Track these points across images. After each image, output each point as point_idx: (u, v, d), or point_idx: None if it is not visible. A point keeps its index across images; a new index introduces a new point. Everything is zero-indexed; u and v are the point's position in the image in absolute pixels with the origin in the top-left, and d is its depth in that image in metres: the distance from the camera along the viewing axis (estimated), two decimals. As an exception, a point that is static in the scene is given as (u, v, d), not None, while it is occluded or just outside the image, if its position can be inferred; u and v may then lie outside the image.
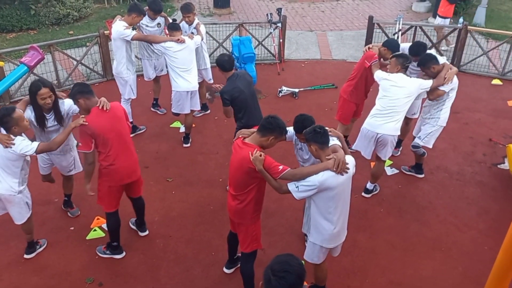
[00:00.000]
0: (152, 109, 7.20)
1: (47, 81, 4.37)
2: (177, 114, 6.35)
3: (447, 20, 9.21)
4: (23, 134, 4.09)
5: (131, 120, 6.50)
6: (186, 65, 5.93)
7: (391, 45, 5.39)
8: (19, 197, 4.20)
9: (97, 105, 4.05)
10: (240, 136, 3.73)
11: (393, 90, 4.96)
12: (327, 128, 3.60)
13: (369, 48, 5.51)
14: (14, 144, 3.93)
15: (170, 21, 6.53)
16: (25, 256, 4.56)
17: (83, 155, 4.20)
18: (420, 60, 5.23)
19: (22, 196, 4.22)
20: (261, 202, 3.86)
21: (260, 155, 3.47)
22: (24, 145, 3.97)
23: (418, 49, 5.39)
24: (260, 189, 3.75)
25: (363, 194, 5.49)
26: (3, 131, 4.01)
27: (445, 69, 5.14)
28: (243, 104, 4.92)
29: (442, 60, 5.29)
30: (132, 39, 5.90)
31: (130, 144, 4.37)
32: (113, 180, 4.27)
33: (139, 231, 4.93)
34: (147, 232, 4.92)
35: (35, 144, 4.03)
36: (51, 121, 4.39)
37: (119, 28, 5.81)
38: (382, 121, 4.98)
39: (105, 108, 4.06)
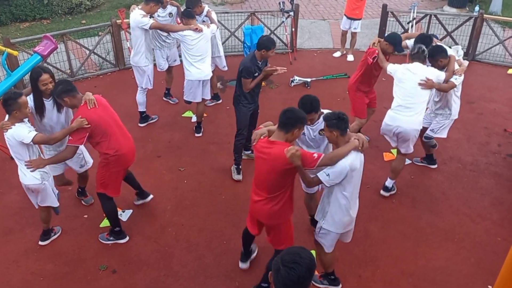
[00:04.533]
0: (164, 98, 7.22)
1: (47, 68, 4.50)
2: (189, 102, 6.38)
3: (357, 22, 8.32)
4: (26, 122, 4.12)
5: (144, 109, 6.55)
6: (201, 54, 5.94)
7: (392, 39, 5.28)
8: (46, 184, 4.27)
9: (84, 104, 4.12)
10: (262, 137, 3.62)
11: (409, 80, 4.83)
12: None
13: (373, 44, 5.38)
14: (10, 128, 3.97)
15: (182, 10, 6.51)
16: (40, 243, 4.64)
17: (69, 151, 4.22)
18: (429, 51, 5.11)
19: (48, 183, 4.29)
20: (293, 196, 3.82)
21: (296, 151, 3.37)
22: (21, 131, 4.01)
23: (424, 42, 5.25)
24: (293, 183, 3.72)
25: (381, 192, 5.32)
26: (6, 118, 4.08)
27: (452, 63, 5.06)
28: None
29: (453, 51, 5.21)
30: (150, 28, 5.89)
31: (124, 127, 4.49)
32: (121, 164, 4.39)
33: (146, 199, 5.08)
34: (151, 196, 5.12)
35: (33, 134, 4.04)
36: (49, 108, 4.40)
37: (137, 17, 5.82)
38: (403, 114, 4.85)
39: (91, 106, 4.14)
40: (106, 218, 4.95)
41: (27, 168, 4.14)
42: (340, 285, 4.23)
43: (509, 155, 6.06)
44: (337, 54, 8.84)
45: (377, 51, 5.29)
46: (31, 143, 4.05)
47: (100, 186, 4.45)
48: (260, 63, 5.12)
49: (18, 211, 5.02)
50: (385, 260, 4.54)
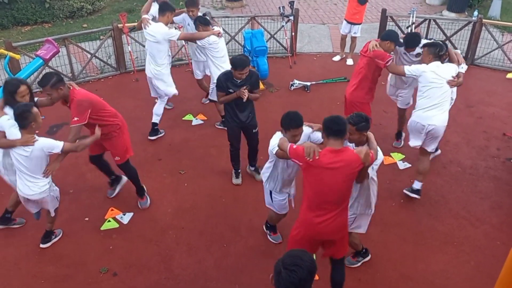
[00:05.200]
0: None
1: (23, 79, 4.65)
2: (214, 101, 6.39)
3: (357, 27, 8.33)
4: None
5: (158, 122, 6.35)
6: (224, 54, 6.09)
7: (392, 36, 5.26)
8: (51, 195, 4.32)
9: (72, 88, 4.39)
10: (319, 150, 3.42)
11: (438, 80, 4.87)
12: (306, 124, 3.93)
13: (375, 46, 5.25)
14: (37, 141, 3.98)
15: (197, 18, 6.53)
16: (42, 245, 4.65)
17: (76, 130, 4.37)
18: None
19: (53, 193, 4.34)
20: None
21: (367, 150, 3.49)
22: (50, 142, 4.06)
23: (414, 40, 5.34)
24: None
25: (412, 195, 5.25)
26: (16, 133, 4.01)
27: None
28: None
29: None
30: (179, 39, 5.95)
31: None
32: (126, 127, 4.88)
33: (122, 181, 5.34)
34: (125, 178, 5.29)
35: (61, 143, 4.11)
36: None
37: (163, 29, 5.81)
38: (434, 112, 4.90)
39: (78, 88, 4.47)
40: (107, 221, 4.98)
41: (45, 177, 4.16)
42: (369, 254, 4.57)
43: (508, 159, 6.09)
44: (337, 58, 8.87)
45: (388, 54, 5.20)
46: (61, 152, 4.14)
47: (124, 154, 4.87)
48: (238, 81, 4.92)
49: (18, 213, 5.02)
50: (385, 264, 4.56)
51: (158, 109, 6.34)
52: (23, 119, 3.94)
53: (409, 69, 5.06)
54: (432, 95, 4.90)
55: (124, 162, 4.92)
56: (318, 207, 3.49)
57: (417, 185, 5.28)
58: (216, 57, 5.98)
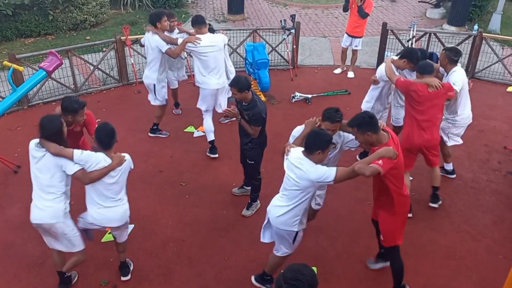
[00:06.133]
0: (150, 134, 6.74)
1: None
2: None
3: (358, 40, 8.43)
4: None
5: (214, 138, 6.20)
6: None
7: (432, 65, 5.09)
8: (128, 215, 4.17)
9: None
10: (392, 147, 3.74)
11: (466, 82, 5.33)
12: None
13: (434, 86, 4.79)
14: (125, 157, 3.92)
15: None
16: (123, 278, 4.41)
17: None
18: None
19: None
20: None
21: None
22: (129, 156, 4.01)
23: (413, 53, 5.28)
24: None
25: (452, 176, 5.88)
26: (105, 159, 3.77)
27: None
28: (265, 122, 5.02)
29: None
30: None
31: None
32: None
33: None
34: None
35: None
36: None
37: (219, 36, 6.04)
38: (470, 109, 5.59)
39: None
40: (108, 233, 4.96)
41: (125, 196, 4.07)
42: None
43: (510, 173, 6.09)
44: (338, 70, 8.93)
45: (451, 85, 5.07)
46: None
47: None
48: (243, 103, 4.81)
49: (20, 225, 5.03)
50: (386, 277, 4.52)
51: (209, 125, 6.15)
52: (111, 138, 3.80)
53: (457, 87, 5.09)
54: (468, 96, 5.42)
55: None
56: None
57: (449, 166, 5.87)
58: (227, 55, 6.43)
